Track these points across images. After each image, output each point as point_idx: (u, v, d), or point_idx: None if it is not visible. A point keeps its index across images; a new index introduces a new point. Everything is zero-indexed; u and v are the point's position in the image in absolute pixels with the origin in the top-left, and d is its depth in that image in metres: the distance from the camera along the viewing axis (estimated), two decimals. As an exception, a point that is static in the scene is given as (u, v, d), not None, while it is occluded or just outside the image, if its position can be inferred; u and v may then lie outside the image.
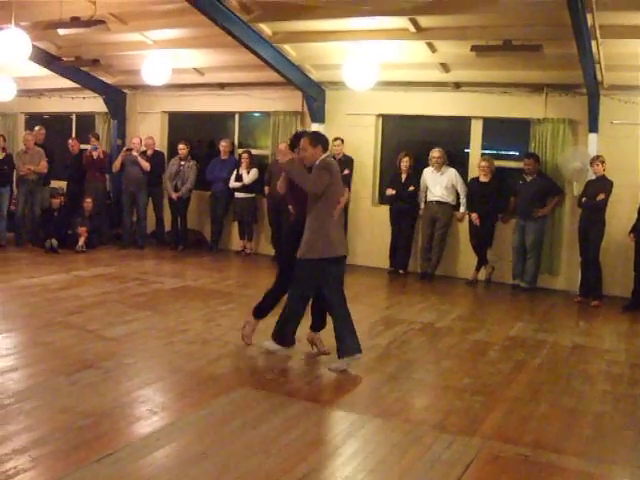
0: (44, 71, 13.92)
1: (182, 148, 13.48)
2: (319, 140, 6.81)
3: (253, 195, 13.00)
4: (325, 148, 6.81)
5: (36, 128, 14.35)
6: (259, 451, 4.79)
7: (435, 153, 11.44)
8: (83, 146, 14.38)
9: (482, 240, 11.32)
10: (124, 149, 13.86)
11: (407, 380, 6.58)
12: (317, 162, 6.65)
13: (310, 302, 7.13)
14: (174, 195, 13.39)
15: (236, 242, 13.65)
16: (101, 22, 9.91)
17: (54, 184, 14.43)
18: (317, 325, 7.27)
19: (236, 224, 13.48)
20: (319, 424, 5.34)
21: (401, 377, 6.62)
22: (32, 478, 4.39)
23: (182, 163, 13.44)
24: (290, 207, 7.55)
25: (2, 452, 4.65)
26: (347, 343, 6.70)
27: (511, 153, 12.29)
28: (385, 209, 12.07)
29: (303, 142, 6.77)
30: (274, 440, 4.98)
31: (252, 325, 7.39)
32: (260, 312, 7.40)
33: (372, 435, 5.23)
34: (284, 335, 7.08)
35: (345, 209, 10.62)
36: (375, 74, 10.73)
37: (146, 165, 13.41)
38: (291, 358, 7.03)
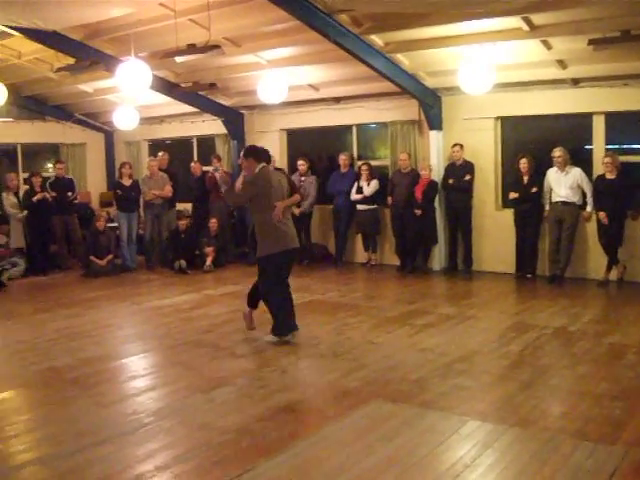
0: (164, 98, 14.43)
1: (302, 164, 13.63)
2: (249, 153, 7.97)
3: (375, 206, 12.98)
4: (257, 159, 7.91)
5: (160, 154, 14.84)
6: (395, 464, 4.79)
7: (557, 152, 11.16)
8: (205, 168, 14.77)
9: (612, 239, 10.94)
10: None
11: (542, 387, 6.44)
12: (250, 175, 7.82)
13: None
14: (296, 211, 13.51)
15: (361, 254, 13.68)
16: (217, 47, 10.13)
17: (179, 206, 14.89)
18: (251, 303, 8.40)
19: (359, 236, 13.52)
20: (455, 435, 5.28)
21: (536, 384, 6.48)
22: (175, 495, 4.57)
23: (302, 179, 13.57)
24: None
25: (145, 469, 4.85)
26: (277, 325, 7.95)
27: (635, 147, 11.85)
28: (509, 213, 11.85)
29: (242, 155, 8.10)
30: (410, 453, 4.97)
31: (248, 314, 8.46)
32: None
33: (509, 445, 5.13)
34: (280, 327, 8.00)
35: (466, 214, 10.72)
36: (491, 77, 10.61)
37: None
38: (424, 368, 7.00)
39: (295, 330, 8.08)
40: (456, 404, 5.98)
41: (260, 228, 8.00)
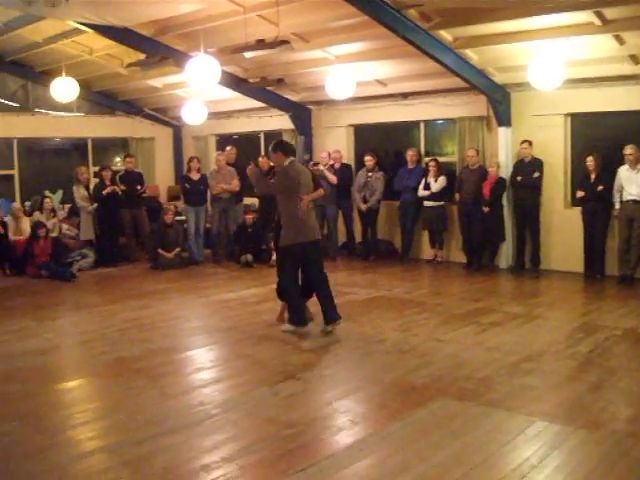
0: (232, 93, 14.57)
1: (369, 159, 13.60)
2: (278, 147, 8.52)
3: (442, 203, 12.89)
4: (285, 153, 8.42)
5: (227, 148, 14.93)
6: (461, 463, 4.76)
7: (628, 150, 10.90)
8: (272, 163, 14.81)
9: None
10: (311, 164, 14.18)
11: (612, 389, 6.33)
12: (280, 167, 8.39)
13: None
14: (363, 206, 13.53)
15: (427, 251, 13.61)
16: (285, 43, 10.18)
17: (247, 201, 14.98)
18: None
19: (426, 233, 13.45)
20: (521, 436, 5.21)
21: (605, 386, 6.37)
22: (241, 486, 4.61)
23: (369, 174, 13.55)
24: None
25: (211, 460, 4.92)
26: (296, 315, 8.34)
27: None
28: (578, 211, 11.63)
29: (270, 149, 8.63)
30: (476, 452, 4.94)
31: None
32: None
33: (577, 447, 5.05)
34: (298, 315, 8.35)
35: (535, 212, 10.58)
36: (561, 72, 10.43)
37: (333, 178, 13.63)
38: (490, 367, 6.93)
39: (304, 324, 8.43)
40: (523, 404, 5.91)
41: (286, 219, 8.39)
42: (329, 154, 14.00)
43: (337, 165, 13.95)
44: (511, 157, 12.36)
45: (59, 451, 5.22)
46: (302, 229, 8.33)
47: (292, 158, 8.46)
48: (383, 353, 7.51)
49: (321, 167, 13.77)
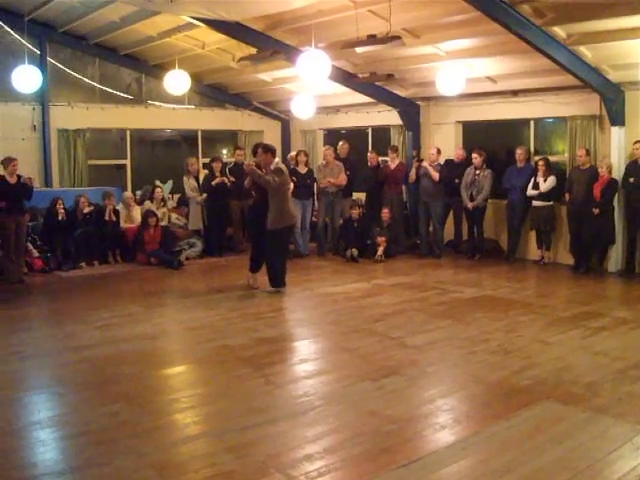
0: (340, 88, 14.59)
1: (475, 157, 13.42)
2: (268, 149, 10.66)
3: (551, 203, 12.62)
4: (273, 155, 10.65)
5: (340, 143, 15.00)
6: (565, 468, 4.69)
7: None
8: (381, 158, 14.89)
9: None
10: (415, 160, 14.19)
11: None
12: (272, 167, 10.38)
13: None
14: (469, 204, 13.39)
15: (533, 251, 13.36)
16: (397, 38, 10.14)
17: (355, 196, 15.03)
18: (254, 268, 10.85)
19: (533, 233, 13.21)
20: (628, 444, 5.08)
21: None
22: (342, 477, 4.68)
23: (477, 172, 13.41)
24: (253, 192, 10.80)
25: (314, 450, 5.00)
26: (277, 280, 10.53)
27: None
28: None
29: (259, 151, 10.67)
30: (581, 458, 4.85)
31: (252, 278, 10.92)
32: (253, 268, 10.91)
33: (688, 458, 4.90)
34: (279, 281, 10.56)
35: None
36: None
37: (435, 175, 13.58)
38: (597, 372, 6.79)
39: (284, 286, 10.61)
40: (630, 412, 5.76)
41: (275, 207, 10.21)
42: (438, 150, 13.89)
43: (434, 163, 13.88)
44: (624, 158, 12.00)
45: (165, 433, 5.40)
46: (286, 215, 10.44)
47: (277, 160, 10.88)
48: (487, 353, 7.44)
49: (424, 163, 13.77)
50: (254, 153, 11.23)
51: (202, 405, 6.06)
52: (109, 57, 15.75)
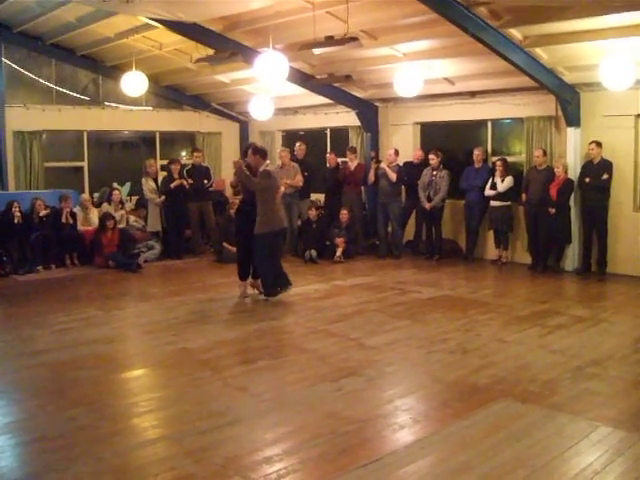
0: (299, 89, 14.58)
1: (432, 158, 13.47)
2: (259, 151, 10.25)
3: (508, 203, 12.72)
4: (263, 157, 10.19)
5: (297, 144, 15.04)
6: (523, 466, 4.73)
7: None
8: (340, 159, 14.92)
9: None
10: (373, 161, 14.24)
11: (680, 395, 6.22)
12: (261, 169, 9.93)
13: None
14: (427, 205, 13.45)
15: (491, 251, 13.46)
16: (355, 39, 10.17)
17: (314, 197, 15.03)
18: (243, 274, 10.42)
19: (491, 233, 13.30)
20: (585, 440, 5.15)
21: (673, 392, 6.27)
22: (302, 479, 4.67)
23: (434, 173, 13.47)
24: (239, 191, 10.81)
25: (273, 453, 4.98)
26: (267, 288, 10.09)
27: None
28: (646, 214, 11.43)
29: (249, 152, 10.25)
30: (538, 455, 4.90)
31: (241, 286, 10.49)
32: (241, 274, 10.46)
33: (643, 454, 4.96)
34: (268, 289, 10.08)
35: (602, 214, 10.40)
36: (633, 72, 10.23)
37: (393, 176, 13.63)
38: (554, 370, 6.86)
39: (286, 286, 10.17)
40: (587, 409, 5.83)
41: (262, 211, 9.81)
42: (396, 151, 13.95)
43: (399, 163, 13.95)
44: (579, 158, 12.14)
45: (123, 438, 5.34)
46: (274, 220, 9.94)
47: (267, 162, 10.37)
48: (446, 352, 7.48)
49: (382, 165, 13.83)
50: (244, 154, 10.87)
51: (161, 409, 6.02)
52: (66, 58, 15.58)
